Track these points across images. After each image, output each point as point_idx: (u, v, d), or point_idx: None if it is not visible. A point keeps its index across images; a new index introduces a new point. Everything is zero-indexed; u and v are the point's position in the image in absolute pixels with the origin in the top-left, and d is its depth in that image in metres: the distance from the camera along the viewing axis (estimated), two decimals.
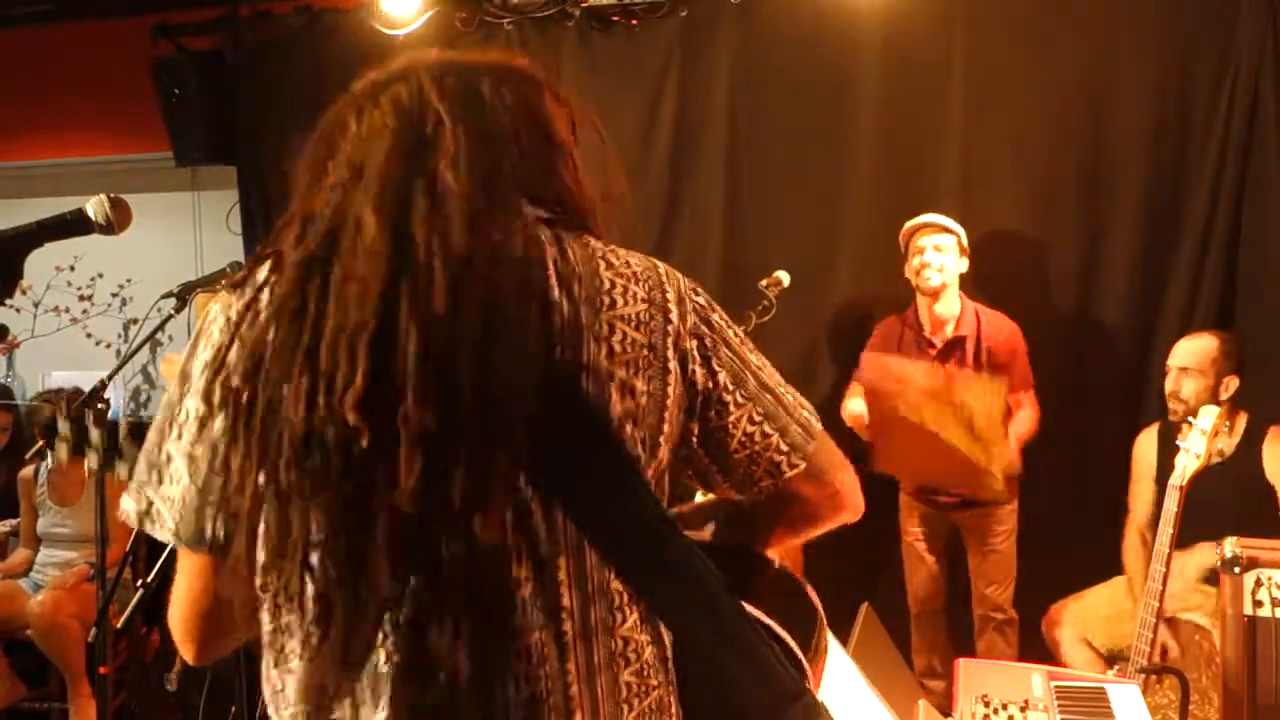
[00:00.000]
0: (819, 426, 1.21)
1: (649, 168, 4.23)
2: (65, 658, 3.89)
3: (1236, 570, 2.35)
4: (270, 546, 1.01)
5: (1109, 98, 3.76)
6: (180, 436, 1.07)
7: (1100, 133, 3.77)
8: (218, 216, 4.96)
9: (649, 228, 4.26)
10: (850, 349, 4.00)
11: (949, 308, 3.63)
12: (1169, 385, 3.28)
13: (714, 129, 4.15)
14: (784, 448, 1.17)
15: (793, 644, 1.22)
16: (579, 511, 1.04)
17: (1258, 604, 2.35)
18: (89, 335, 5.33)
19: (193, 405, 1.06)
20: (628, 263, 1.12)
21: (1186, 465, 2.76)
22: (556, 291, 1.05)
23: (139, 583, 2.52)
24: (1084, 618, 3.41)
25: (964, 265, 3.61)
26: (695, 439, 1.14)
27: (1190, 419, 2.83)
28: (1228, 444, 3.20)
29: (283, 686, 1.07)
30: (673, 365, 1.10)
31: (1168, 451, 3.12)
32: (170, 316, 2.82)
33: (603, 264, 1.09)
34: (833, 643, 1.98)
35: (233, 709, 2.87)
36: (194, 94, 4.55)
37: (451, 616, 1.00)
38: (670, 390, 1.10)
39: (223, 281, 1.11)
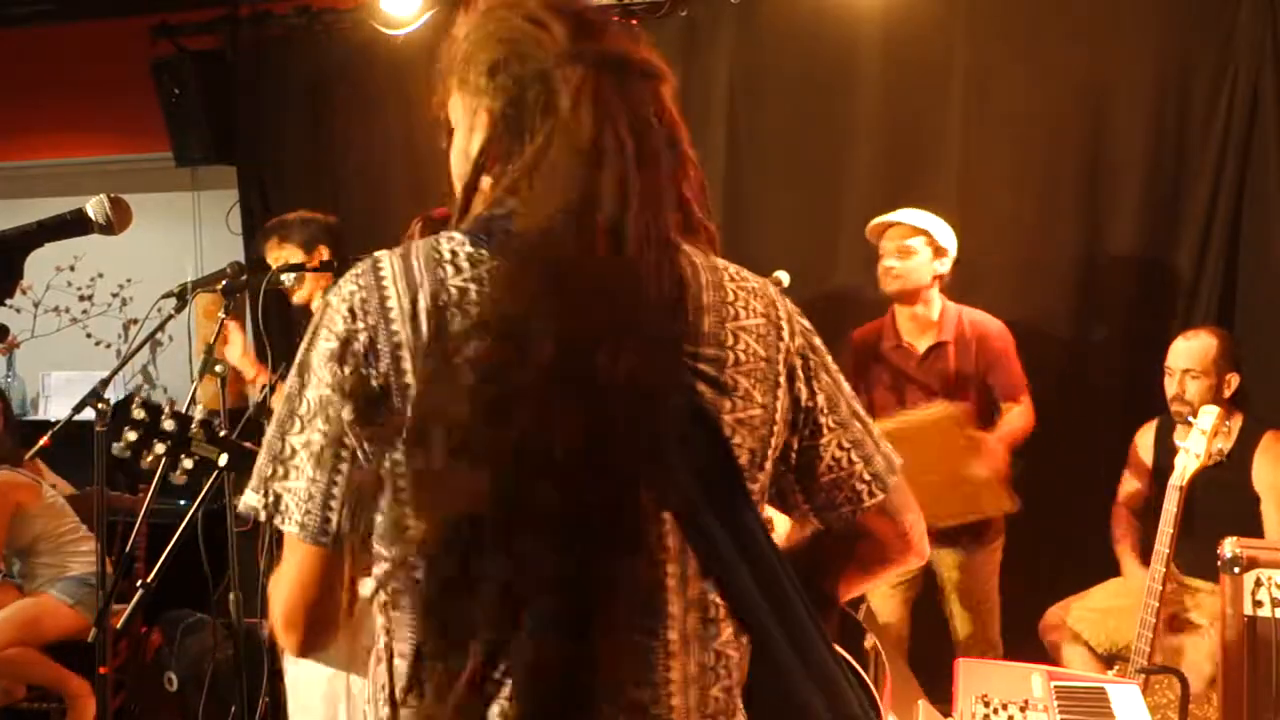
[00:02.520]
0: (900, 465, 1.22)
1: None
2: (40, 679, 3.85)
3: (1236, 570, 2.35)
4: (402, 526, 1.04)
5: (1109, 98, 3.76)
6: (302, 429, 1.07)
7: (1100, 133, 3.77)
8: (218, 216, 4.96)
9: None
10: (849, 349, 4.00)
11: (926, 312, 3.46)
12: (1173, 388, 3.25)
13: (714, 129, 4.14)
14: (867, 476, 1.18)
15: (866, 677, 1.24)
16: (690, 516, 1.04)
17: (1258, 604, 2.35)
18: (89, 335, 5.33)
19: (314, 397, 1.06)
20: (745, 278, 1.16)
21: (1186, 465, 2.76)
22: (686, 299, 1.09)
23: (139, 583, 2.51)
24: (1081, 618, 3.41)
25: (943, 266, 3.42)
26: (794, 455, 1.16)
27: (1190, 419, 2.83)
28: (1226, 445, 3.20)
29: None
30: (783, 380, 1.13)
31: (1164, 448, 3.12)
32: (170, 316, 2.82)
33: (726, 276, 1.14)
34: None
35: (232, 709, 2.87)
36: (194, 94, 4.55)
37: (579, 614, 1.01)
38: (779, 404, 1.13)
39: (349, 270, 1.10)
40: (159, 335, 2.94)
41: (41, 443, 2.71)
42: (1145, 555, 2.83)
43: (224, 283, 2.84)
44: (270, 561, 2.57)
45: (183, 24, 4.64)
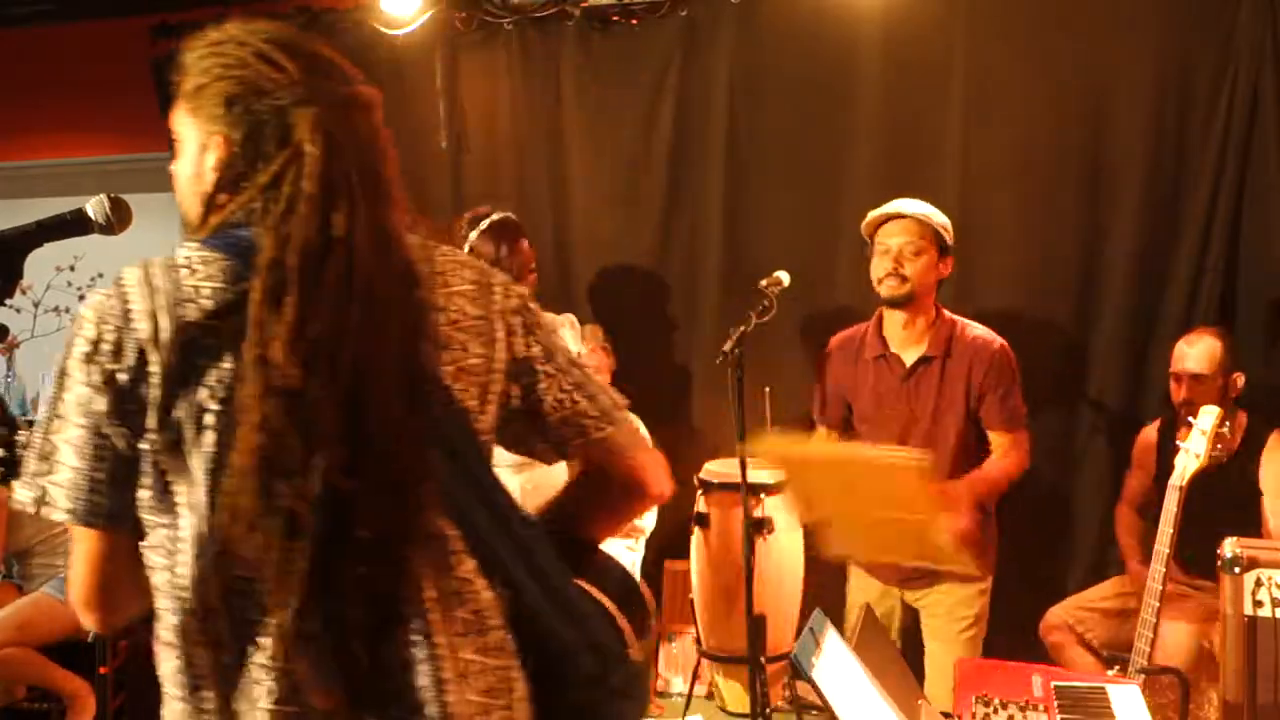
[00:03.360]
0: (625, 404, 1.43)
1: (648, 167, 4.24)
2: (39, 680, 3.84)
3: (1236, 570, 2.35)
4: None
5: (1109, 98, 3.76)
6: (63, 427, 1.20)
7: (1100, 133, 3.77)
8: None
9: (648, 227, 4.26)
10: None
11: (921, 320, 3.12)
12: (1184, 393, 3.23)
13: (714, 129, 4.15)
14: (593, 413, 1.39)
15: (619, 616, 1.36)
16: (420, 455, 1.19)
17: (1258, 604, 2.35)
18: None
19: (72, 397, 1.19)
20: (455, 254, 1.36)
21: (1186, 465, 2.76)
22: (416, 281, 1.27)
23: None
24: (1082, 617, 3.41)
25: (946, 268, 3.15)
26: (518, 401, 1.35)
27: (1190, 419, 2.83)
28: (1230, 444, 3.18)
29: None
30: (500, 335, 1.33)
31: (1169, 448, 3.12)
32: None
33: (436, 253, 1.34)
34: (836, 639, 1.98)
35: None
36: None
37: (340, 549, 1.14)
38: (498, 355, 1.32)
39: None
40: None
41: None
42: (1148, 555, 2.84)
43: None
44: None
45: (182, 24, 4.64)
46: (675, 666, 4.15)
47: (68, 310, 5.30)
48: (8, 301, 1.38)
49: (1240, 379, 3.24)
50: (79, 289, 5.28)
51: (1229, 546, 2.37)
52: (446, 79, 4.38)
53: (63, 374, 1.21)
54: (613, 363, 4.15)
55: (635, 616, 1.40)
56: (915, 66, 3.90)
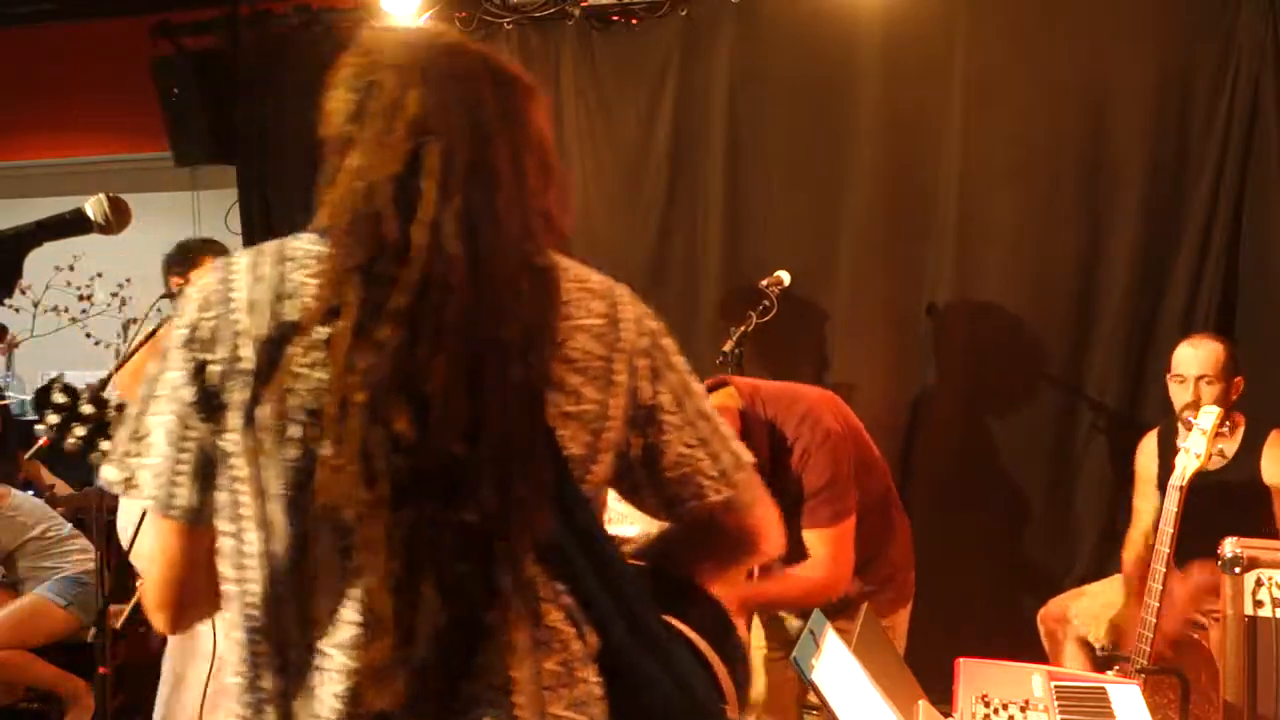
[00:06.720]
0: (749, 463, 1.28)
1: (649, 167, 4.24)
2: (36, 681, 3.85)
3: (1236, 570, 2.35)
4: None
5: (1109, 98, 3.75)
6: (157, 410, 1.13)
7: (1100, 132, 3.77)
8: (217, 216, 4.96)
9: (648, 227, 4.26)
10: (850, 348, 4.00)
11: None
12: (1185, 395, 3.19)
13: (714, 129, 4.15)
14: (713, 473, 1.24)
15: (718, 666, 1.26)
16: (516, 500, 1.08)
17: (1258, 604, 2.35)
18: (88, 335, 5.33)
19: (167, 380, 1.13)
20: (588, 279, 1.22)
21: (1187, 465, 2.76)
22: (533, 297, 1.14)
23: (138, 581, 2.51)
24: (1082, 610, 3.41)
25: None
26: (637, 451, 1.22)
27: (1191, 418, 2.82)
28: (1229, 446, 3.18)
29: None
30: (620, 378, 1.19)
31: (1168, 456, 3.12)
32: (170, 316, 2.81)
33: (564, 276, 1.18)
34: (836, 639, 1.98)
35: None
36: (194, 94, 4.55)
37: (419, 589, 1.05)
38: (615, 400, 1.18)
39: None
40: (158, 334, 2.94)
41: (40, 443, 2.71)
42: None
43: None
44: None
45: (183, 24, 4.64)
46: None
47: (66, 310, 5.30)
48: (7, 301, 1.37)
49: (1240, 383, 3.23)
50: (78, 289, 5.28)
51: (1229, 546, 2.37)
52: None
53: (164, 354, 1.14)
54: None
55: (732, 661, 1.30)
56: (915, 66, 3.89)
